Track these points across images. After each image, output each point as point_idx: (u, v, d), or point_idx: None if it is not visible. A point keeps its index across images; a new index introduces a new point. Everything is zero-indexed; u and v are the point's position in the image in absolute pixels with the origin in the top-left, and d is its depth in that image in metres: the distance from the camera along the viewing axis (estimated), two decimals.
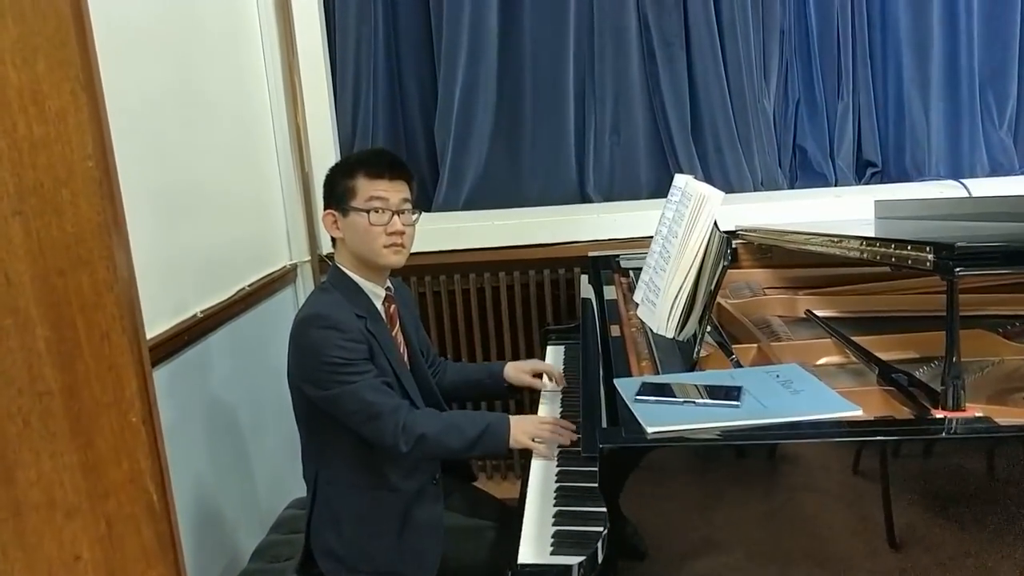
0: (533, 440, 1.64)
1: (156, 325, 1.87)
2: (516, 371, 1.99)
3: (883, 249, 1.37)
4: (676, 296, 1.64)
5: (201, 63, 2.22)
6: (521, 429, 1.65)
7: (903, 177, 2.88)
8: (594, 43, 2.85)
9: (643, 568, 1.17)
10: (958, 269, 1.13)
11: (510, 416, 1.67)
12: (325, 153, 2.72)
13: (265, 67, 2.63)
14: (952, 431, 1.11)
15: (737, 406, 1.22)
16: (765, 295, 2.11)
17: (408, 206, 1.74)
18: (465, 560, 1.72)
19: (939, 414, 1.16)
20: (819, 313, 1.87)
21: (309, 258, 2.73)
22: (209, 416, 2.12)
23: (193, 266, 2.07)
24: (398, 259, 1.74)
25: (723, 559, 1.16)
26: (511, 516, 1.51)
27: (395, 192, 1.71)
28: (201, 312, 2.06)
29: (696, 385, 1.29)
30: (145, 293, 1.81)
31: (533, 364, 2.01)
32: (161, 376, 1.86)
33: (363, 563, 1.69)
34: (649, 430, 1.16)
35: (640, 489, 1.16)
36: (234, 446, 2.25)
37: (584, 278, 2.49)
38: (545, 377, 1.99)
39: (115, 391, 0.78)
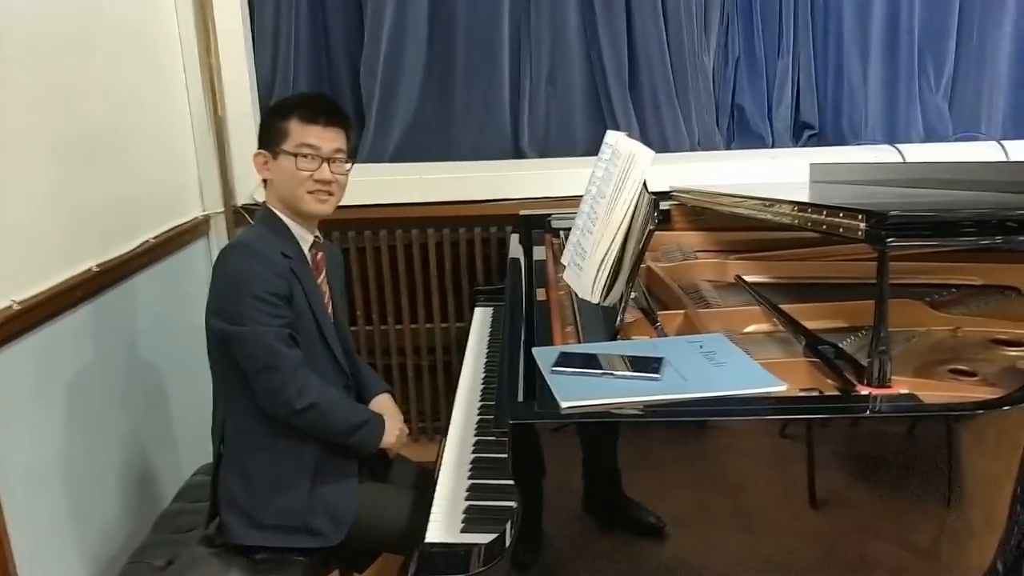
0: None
1: (49, 278, 1.74)
2: (379, 407, 1.83)
3: (814, 215, 1.32)
4: (602, 260, 1.56)
5: None
6: (389, 432, 1.72)
7: (840, 140, 2.85)
8: None
9: (558, 548, 1.11)
10: (890, 239, 1.08)
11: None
12: (241, 98, 2.54)
13: (175, 2, 2.43)
14: (876, 410, 1.07)
15: (657, 379, 1.15)
16: (696, 259, 2.06)
17: (341, 156, 1.70)
18: (380, 523, 1.65)
19: (864, 390, 1.11)
20: (749, 279, 1.82)
21: (223, 209, 2.57)
22: (111, 375, 1.98)
23: (91, 218, 1.92)
24: (322, 208, 1.70)
25: (640, 535, 1.11)
26: (428, 480, 1.46)
27: (328, 140, 1.68)
28: (97, 266, 1.91)
29: (616, 356, 1.22)
30: (38, 246, 1.70)
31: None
32: (51, 333, 1.73)
33: (271, 516, 1.62)
34: (563, 404, 1.08)
35: (554, 466, 1.10)
36: (138, 408, 2.12)
37: (515, 237, 2.40)
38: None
39: None
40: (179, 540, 1.72)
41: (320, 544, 1.63)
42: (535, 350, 1.27)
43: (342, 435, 1.64)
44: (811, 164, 2.34)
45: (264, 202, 1.74)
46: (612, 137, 1.74)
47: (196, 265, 2.46)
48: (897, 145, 2.70)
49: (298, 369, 1.58)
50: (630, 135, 1.69)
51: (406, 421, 1.85)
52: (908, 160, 2.62)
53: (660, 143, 2.78)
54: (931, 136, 2.81)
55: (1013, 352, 1.38)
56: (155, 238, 2.21)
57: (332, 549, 1.65)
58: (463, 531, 1.25)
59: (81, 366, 1.84)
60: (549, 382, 1.15)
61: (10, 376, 1.59)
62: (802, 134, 2.88)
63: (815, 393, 1.18)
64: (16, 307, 1.60)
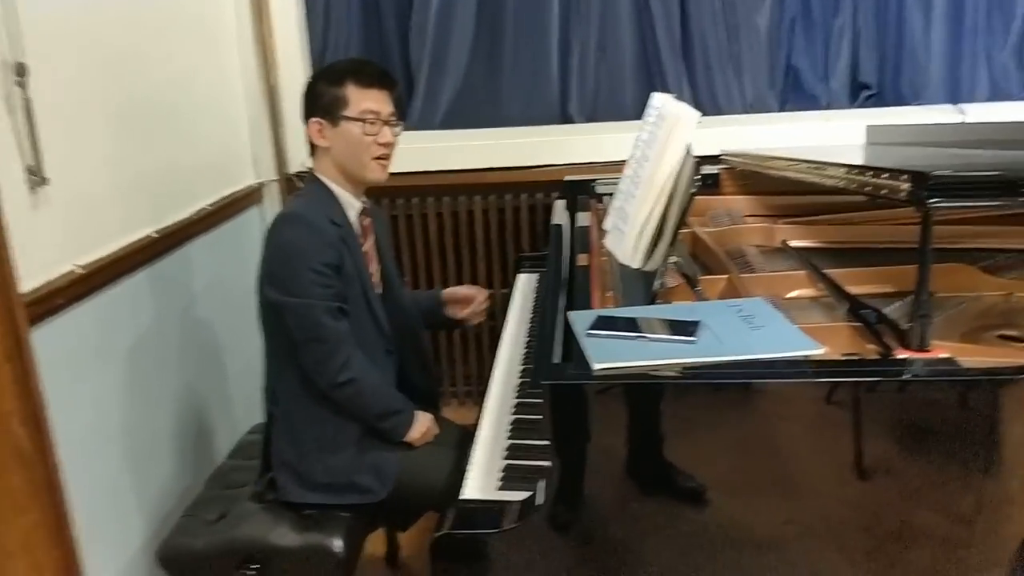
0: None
1: (110, 244, 1.80)
2: (451, 293, 2.04)
3: (860, 177, 1.29)
4: (644, 224, 1.55)
5: None
6: (416, 427, 1.73)
7: (899, 100, 2.75)
8: None
9: (594, 509, 1.13)
10: (932, 200, 1.05)
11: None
12: (293, 67, 2.57)
13: None
14: (913, 374, 1.05)
15: (693, 342, 1.15)
16: (745, 223, 2.02)
17: (394, 118, 1.73)
18: (423, 482, 1.69)
19: (902, 354, 1.09)
20: (796, 243, 1.79)
21: (277, 177, 2.63)
22: (169, 337, 2.06)
23: (149, 186, 1.98)
24: (382, 175, 1.74)
25: (674, 497, 1.12)
26: (471, 442, 1.48)
27: (385, 103, 1.71)
28: (156, 232, 1.97)
29: (652, 319, 1.22)
30: (99, 213, 1.77)
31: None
32: (112, 297, 1.80)
33: (320, 476, 1.68)
34: (596, 366, 1.09)
35: (588, 427, 1.11)
36: (194, 369, 2.20)
37: (560, 203, 2.40)
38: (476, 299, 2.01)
39: None
40: (231, 496, 1.79)
41: (366, 500, 1.68)
42: (570, 314, 1.28)
43: (374, 417, 1.68)
44: (868, 126, 2.27)
45: (311, 169, 1.76)
46: (658, 99, 1.72)
47: (250, 231, 2.52)
48: (960, 105, 2.59)
49: (343, 343, 1.62)
50: (680, 98, 1.66)
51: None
52: (971, 120, 2.51)
53: (712, 106, 2.74)
54: (998, 95, 2.69)
55: None
56: (211, 205, 2.27)
57: (377, 506, 1.70)
58: (500, 489, 1.28)
59: (140, 329, 1.92)
60: (583, 344, 1.16)
61: (72, 338, 1.66)
62: (859, 95, 2.79)
63: (854, 357, 1.16)
64: (79, 271, 1.67)
